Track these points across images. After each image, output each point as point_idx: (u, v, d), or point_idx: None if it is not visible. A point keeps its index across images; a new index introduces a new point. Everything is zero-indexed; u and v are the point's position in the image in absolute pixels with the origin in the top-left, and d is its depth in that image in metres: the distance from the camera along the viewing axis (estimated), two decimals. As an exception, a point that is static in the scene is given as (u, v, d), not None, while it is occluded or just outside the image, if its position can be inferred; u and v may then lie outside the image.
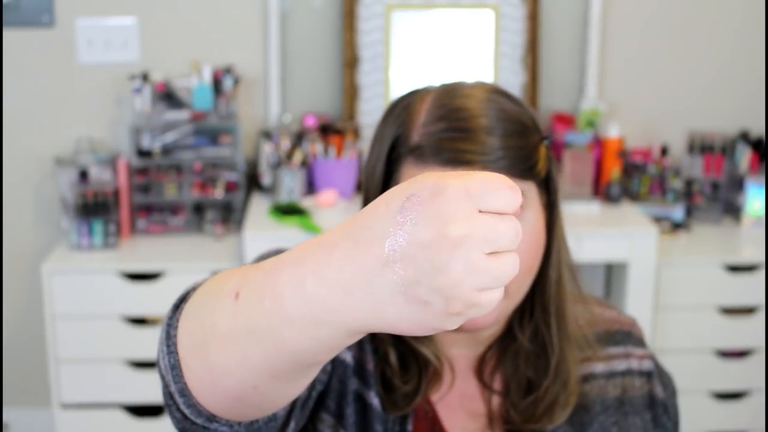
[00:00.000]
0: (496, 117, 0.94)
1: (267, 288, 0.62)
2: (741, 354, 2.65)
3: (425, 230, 0.55)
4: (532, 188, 0.96)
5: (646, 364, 1.10)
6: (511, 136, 0.94)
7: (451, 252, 0.55)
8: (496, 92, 0.98)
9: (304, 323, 0.61)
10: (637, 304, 2.52)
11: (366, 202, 1.02)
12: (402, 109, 0.98)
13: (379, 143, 0.99)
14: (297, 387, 0.70)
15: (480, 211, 0.56)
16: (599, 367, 1.08)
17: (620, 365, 1.09)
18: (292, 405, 0.91)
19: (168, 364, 0.70)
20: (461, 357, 1.07)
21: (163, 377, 0.73)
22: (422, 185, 0.56)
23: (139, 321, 2.48)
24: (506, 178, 0.57)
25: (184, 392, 0.70)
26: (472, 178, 0.56)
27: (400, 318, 0.57)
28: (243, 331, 0.64)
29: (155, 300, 2.45)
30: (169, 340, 0.71)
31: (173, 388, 0.71)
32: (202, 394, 0.70)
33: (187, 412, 0.71)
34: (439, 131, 0.93)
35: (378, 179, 0.98)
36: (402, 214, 0.56)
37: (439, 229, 0.55)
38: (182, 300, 0.74)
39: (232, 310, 0.65)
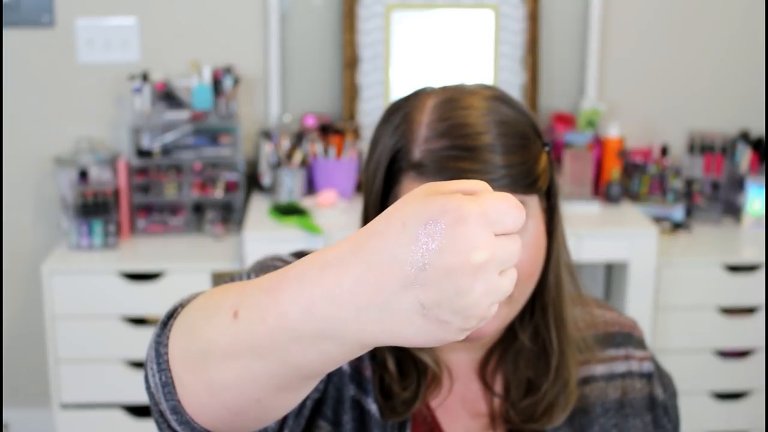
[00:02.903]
0: (498, 132, 0.93)
1: (269, 307, 0.62)
2: (741, 354, 2.65)
3: (450, 257, 0.56)
4: (533, 198, 0.96)
5: (647, 366, 1.10)
6: (513, 152, 0.93)
7: (473, 277, 0.56)
8: (497, 100, 0.96)
9: (313, 340, 0.61)
10: (637, 304, 2.52)
11: (366, 209, 1.01)
12: (402, 118, 0.96)
13: (379, 152, 0.98)
14: (300, 396, 0.70)
15: (495, 235, 0.57)
16: (599, 369, 1.08)
17: (620, 367, 1.09)
18: (284, 416, 0.91)
19: (159, 381, 0.69)
20: (462, 361, 1.07)
21: (152, 395, 0.72)
22: (442, 210, 0.56)
23: (139, 321, 2.48)
24: (513, 198, 0.58)
25: (177, 409, 0.69)
26: (488, 202, 0.57)
27: (416, 335, 0.58)
28: (245, 348, 0.64)
29: (155, 300, 2.45)
30: (160, 357, 0.70)
31: (164, 405, 0.70)
32: (198, 410, 0.69)
33: (179, 429, 0.70)
34: (441, 149, 0.92)
35: (377, 190, 0.98)
36: (423, 239, 0.56)
37: (464, 257, 0.56)
38: (170, 317, 0.73)
39: (232, 328, 0.64)
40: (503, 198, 0.58)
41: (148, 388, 0.72)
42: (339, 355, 0.62)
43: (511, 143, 0.93)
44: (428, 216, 0.57)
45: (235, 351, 0.64)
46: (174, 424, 0.70)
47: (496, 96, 0.97)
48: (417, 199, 0.58)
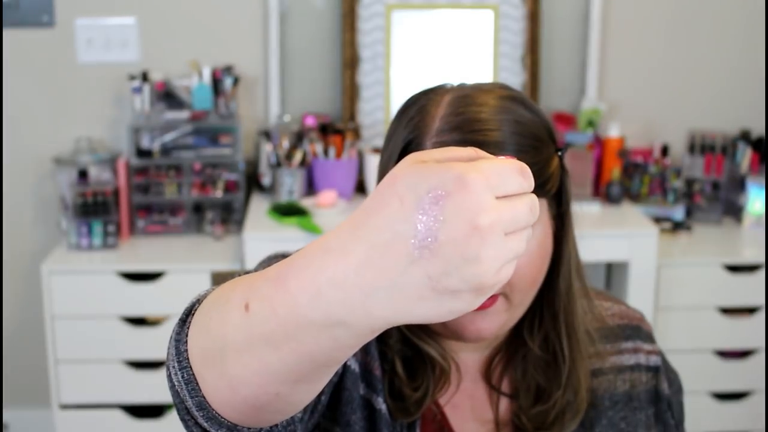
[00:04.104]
0: (510, 131, 0.92)
1: (278, 297, 0.61)
2: (741, 354, 2.65)
3: (455, 226, 0.55)
4: (542, 202, 0.95)
5: (654, 360, 1.10)
6: (524, 152, 0.92)
7: (481, 242, 0.55)
8: (513, 100, 0.95)
9: (324, 327, 0.60)
10: (637, 304, 2.48)
11: None
12: (417, 111, 0.96)
13: (393, 143, 0.97)
14: (318, 386, 0.69)
15: (497, 198, 0.56)
16: (608, 362, 1.08)
17: (629, 360, 1.09)
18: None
19: (182, 379, 0.69)
20: (467, 360, 1.06)
21: (176, 393, 0.71)
22: (441, 179, 0.55)
23: (139, 321, 2.48)
24: (515, 161, 0.57)
25: (203, 405, 0.69)
26: (487, 167, 0.56)
27: (428, 310, 0.57)
28: (258, 340, 0.63)
29: (155, 300, 2.45)
30: (180, 355, 0.69)
31: (190, 403, 0.69)
32: (222, 406, 0.68)
33: (206, 425, 0.70)
34: (451, 142, 0.91)
35: None
36: (425, 211, 0.55)
37: (469, 223, 0.54)
38: (188, 314, 0.72)
39: (244, 321, 0.64)
40: (503, 162, 0.57)
41: (172, 386, 0.72)
42: (351, 340, 0.61)
43: (522, 142, 0.93)
44: (426, 187, 0.55)
45: (249, 344, 0.64)
46: (201, 421, 0.70)
47: (512, 96, 0.96)
48: (409, 170, 0.57)
